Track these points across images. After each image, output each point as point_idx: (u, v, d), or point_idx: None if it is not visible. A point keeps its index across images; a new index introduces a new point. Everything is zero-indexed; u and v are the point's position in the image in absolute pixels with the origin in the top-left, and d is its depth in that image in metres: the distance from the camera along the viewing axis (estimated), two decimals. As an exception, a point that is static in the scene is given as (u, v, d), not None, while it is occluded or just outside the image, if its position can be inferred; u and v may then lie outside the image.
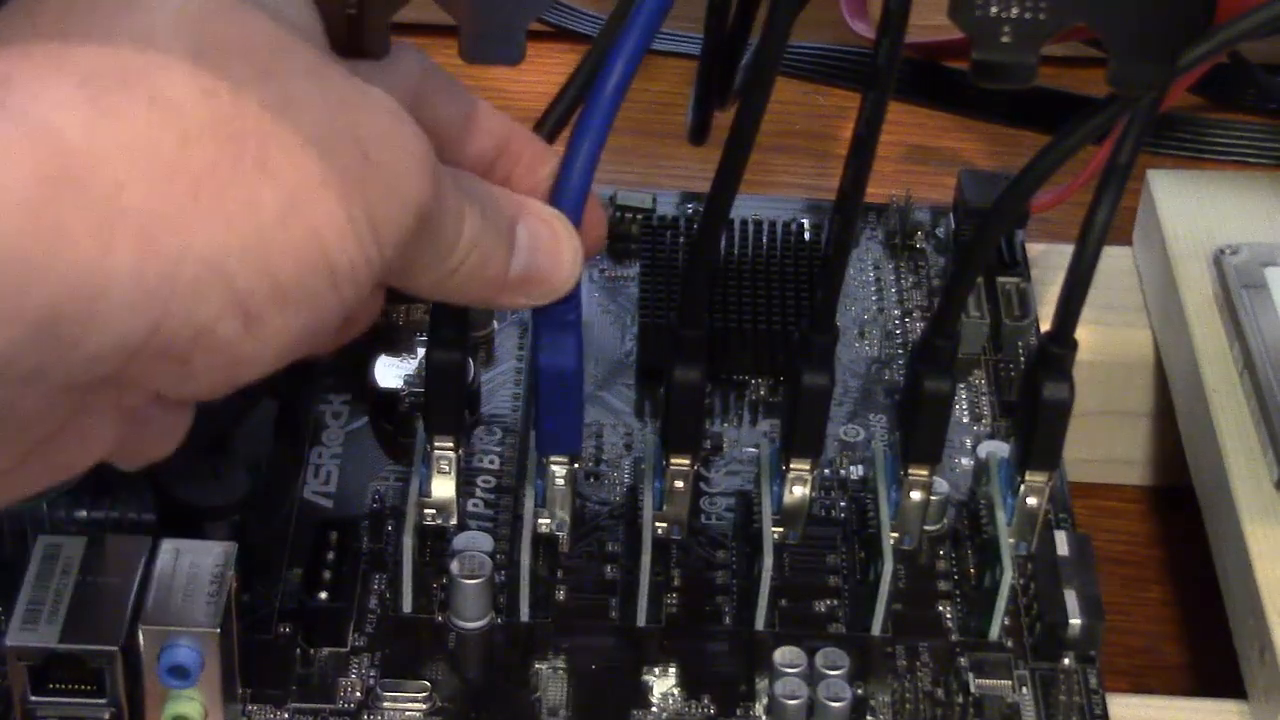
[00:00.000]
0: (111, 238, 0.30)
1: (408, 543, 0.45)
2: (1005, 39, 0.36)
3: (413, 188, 0.34)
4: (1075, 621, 0.46)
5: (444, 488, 0.47)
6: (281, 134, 0.32)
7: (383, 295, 0.39)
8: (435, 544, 0.48)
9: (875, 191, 0.43)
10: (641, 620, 0.47)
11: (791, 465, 0.47)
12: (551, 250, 0.39)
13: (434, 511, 0.48)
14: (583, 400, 0.45)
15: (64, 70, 0.31)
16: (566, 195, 0.40)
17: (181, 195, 0.31)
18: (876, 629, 0.47)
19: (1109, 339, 0.57)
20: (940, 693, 0.46)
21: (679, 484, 0.47)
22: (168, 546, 0.42)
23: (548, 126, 0.42)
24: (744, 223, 0.56)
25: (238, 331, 0.32)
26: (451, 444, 0.47)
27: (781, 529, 0.48)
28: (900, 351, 0.55)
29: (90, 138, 0.30)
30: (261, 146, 0.32)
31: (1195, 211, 0.58)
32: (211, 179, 0.31)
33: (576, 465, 0.47)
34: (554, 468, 0.46)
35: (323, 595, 0.46)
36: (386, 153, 0.34)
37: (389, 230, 0.34)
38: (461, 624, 0.46)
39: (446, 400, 0.46)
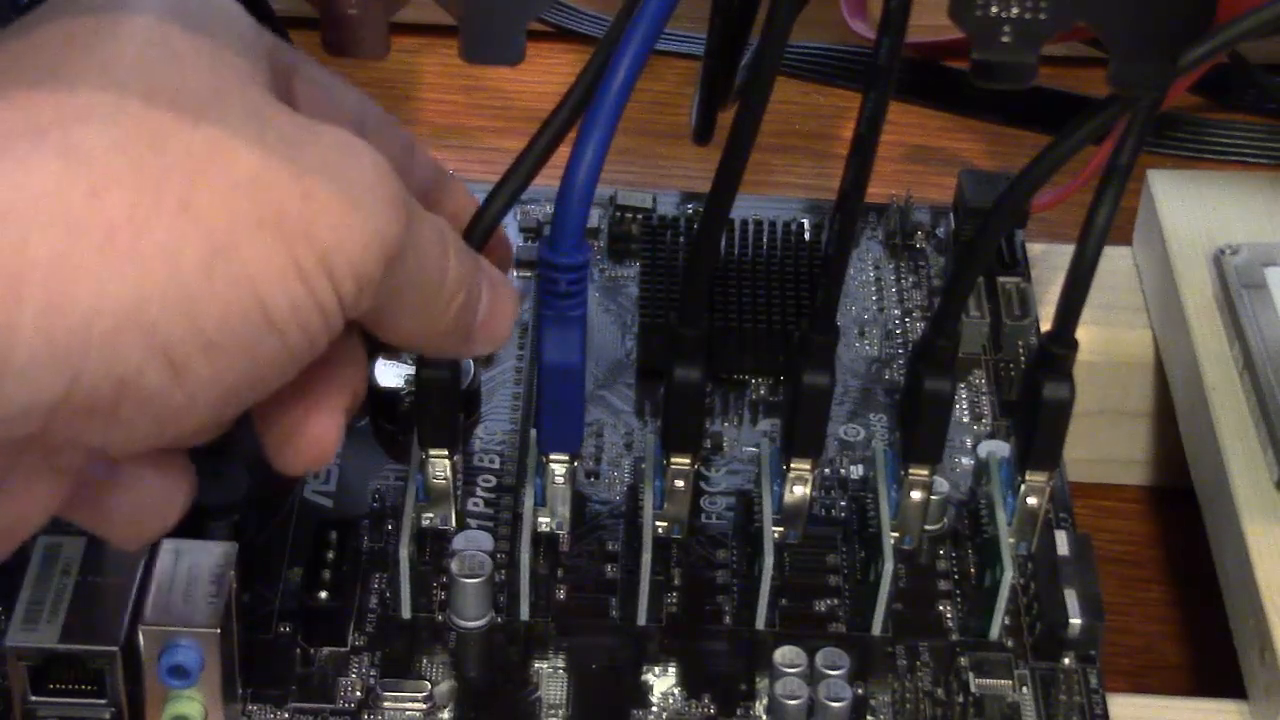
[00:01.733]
0: (18, 292, 0.29)
1: (404, 554, 0.45)
2: (1005, 39, 0.36)
3: (371, 224, 0.33)
4: (1075, 621, 0.46)
5: (441, 496, 0.47)
6: (210, 176, 0.31)
7: (363, 350, 0.38)
8: (435, 544, 0.48)
9: (875, 191, 0.43)
10: (642, 620, 0.47)
11: (792, 465, 0.47)
12: (506, 297, 0.39)
13: (432, 516, 0.48)
14: (584, 398, 0.45)
15: None
16: (567, 218, 0.40)
17: (92, 246, 0.30)
18: (877, 629, 0.47)
19: (1109, 339, 0.57)
20: (940, 692, 0.46)
21: (679, 483, 0.47)
22: (168, 546, 0.42)
23: (552, 129, 0.41)
24: (744, 223, 0.56)
25: (165, 381, 0.31)
26: (445, 454, 0.47)
27: (782, 529, 0.48)
28: (900, 351, 0.55)
29: None
30: (186, 191, 0.31)
31: (1195, 211, 0.58)
32: (126, 228, 0.30)
33: (576, 463, 0.47)
34: (554, 466, 0.46)
35: (323, 595, 0.46)
36: (337, 188, 0.32)
37: (346, 269, 0.33)
38: (461, 624, 0.46)
39: (437, 415, 0.46)
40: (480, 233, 0.40)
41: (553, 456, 0.46)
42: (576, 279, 0.42)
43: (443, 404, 0.45)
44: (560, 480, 0.47)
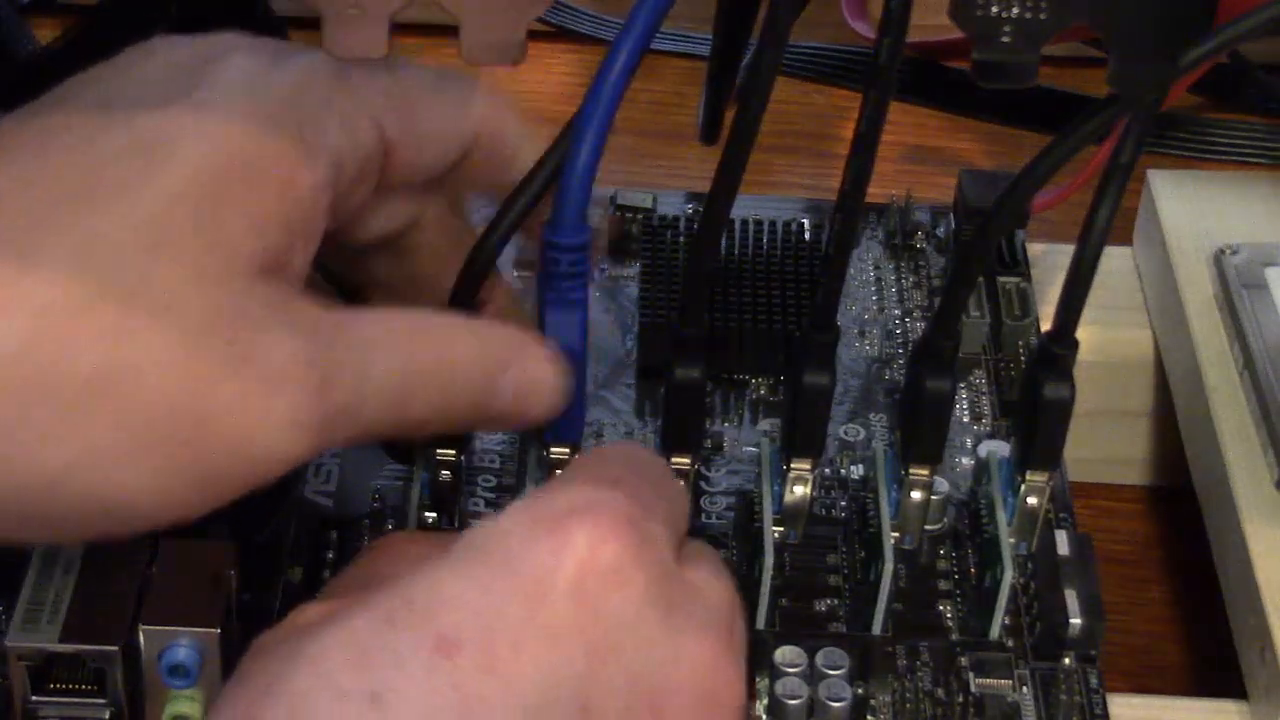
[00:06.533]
0: None
1: (408, 544, 0.45)
2: (1005, 39, 0.36)
3: (258, 453, 0.36)
4: (1075, 621, 0.46)
5: (445, 494, 0.47)
6: (101, 403, 0.34)
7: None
8: (435, 544, 0.48)
9: (875, 191, 0.43)
10: (642, 620, 0.47)
11: (792, 464, 0.47)
12: (535, 395, 0.41)
13: (435, 515, 0.48)
14: (585, 384, 0.45)
15: None
16: (568, 198, 0.40)
17: None
18: (877, 629, 0.47)
19: (1109, 339, 0.57)
20: (940, 692, 0.46)
21: (679, 483, 0.47)
22: (168, 546, 0.42)
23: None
24: (744, 223, 0.56)
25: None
26: (453, 452, 0.46)
27: (782, 528, 0.48)
28: (900, 351, 0.55)
29: None
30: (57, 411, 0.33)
31: (1195, 211, 0.58)
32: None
33: (577, 457, 0.47)
34: (555, 459, 0.46)
35: (323, 595, 0.46)
36: (235, 421, 0.35)
37: (215, 488, 0.36)
38: (462, 624, 0.46)
39: None
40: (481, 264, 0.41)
41: (554, 450, 0.46)
42: (578, 259, 0.42)
43: None
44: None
